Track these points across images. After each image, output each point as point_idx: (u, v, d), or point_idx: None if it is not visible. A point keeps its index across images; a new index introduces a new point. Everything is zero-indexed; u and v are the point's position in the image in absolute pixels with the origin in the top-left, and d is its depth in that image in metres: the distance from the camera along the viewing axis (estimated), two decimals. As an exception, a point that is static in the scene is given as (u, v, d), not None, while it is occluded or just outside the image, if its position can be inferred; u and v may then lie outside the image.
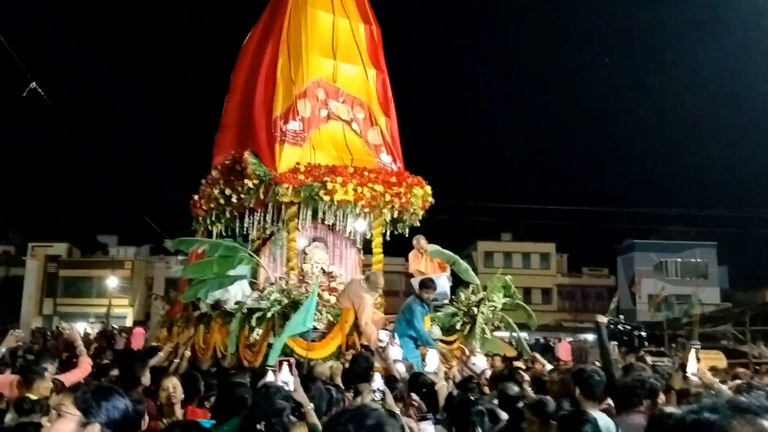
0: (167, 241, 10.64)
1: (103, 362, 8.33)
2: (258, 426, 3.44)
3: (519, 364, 11.49)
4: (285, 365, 4.69)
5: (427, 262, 11.19)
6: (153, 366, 6.64)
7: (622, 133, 75.58)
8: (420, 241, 11.26)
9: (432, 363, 6.58)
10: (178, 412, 5.13)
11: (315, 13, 11.40)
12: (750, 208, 41.27)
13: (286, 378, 4.58)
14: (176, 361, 8.20)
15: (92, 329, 28.52)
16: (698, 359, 6.14)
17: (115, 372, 7.19)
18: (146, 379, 5.83)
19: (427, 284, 9.14)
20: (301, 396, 4.35)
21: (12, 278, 47.68)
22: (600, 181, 71.24)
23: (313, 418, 4.21)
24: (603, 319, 6.72)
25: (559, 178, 73.43)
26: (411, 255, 11.41)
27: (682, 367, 6.04)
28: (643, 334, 16.55)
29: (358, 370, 5.98)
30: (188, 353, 8.79)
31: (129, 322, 36.07)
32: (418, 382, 5.61)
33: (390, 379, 5.64)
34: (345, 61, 11.46)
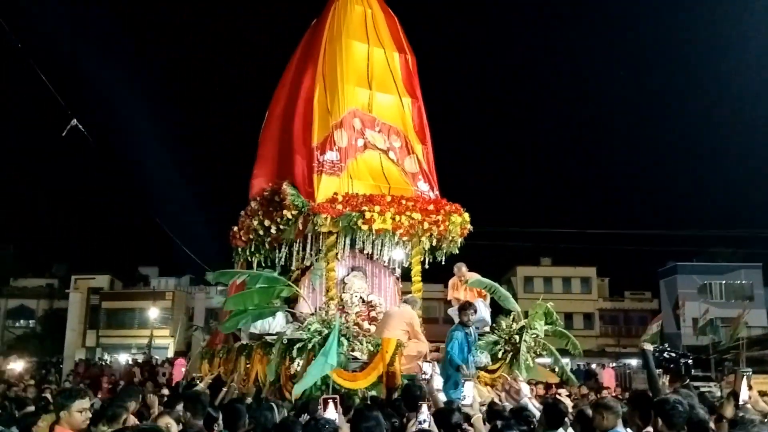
0: (208, 274, 10.77)
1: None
2: None
3: (561, 391, 11.27)
4: (330, 403, 4.68)
5: (467, 290, 11.11)
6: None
7: (663, 154, 74.61)
8: (461, 269, 11.18)
9: (468, 395, 6.49)
10: None
11: (350, 44, 11.56)
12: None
13: (331, 416, 4.56)
14: (224, 390, 8.25)
15: (133, 360, 28.82)
16: (750, 386, 5.93)
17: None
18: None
19: (466, 307, 9.11)
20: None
21: (56, 311, 48.63)
22: (641, 202, 70.21)
23: None
24: (649, 347, 6.57)
25: (599, 200, 72.59)
26: (451, 282, 11.33)
27: (734, 395, 5.82)
28: (690, 361, 16.09)
29: (411, 399, 5.90)
30: (234, 385, 8.81)
31: (170, 353, 36.42)
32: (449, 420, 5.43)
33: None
34: (380, 90, 11.56)
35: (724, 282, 46.63)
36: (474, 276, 11.05)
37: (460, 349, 8.78)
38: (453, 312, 10.27)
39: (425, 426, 4.72)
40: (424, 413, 4.86)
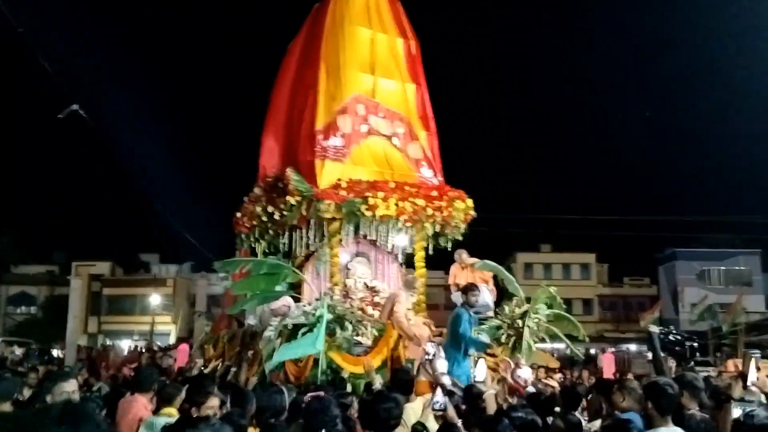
0: (215, 263, 10.85)
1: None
2: None
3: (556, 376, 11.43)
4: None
5: (468, 275, 11.19)
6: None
7: (661, 141, 74.52)
8: (462, 255, 11.29)
9: (481, 372, 6.58)
10: None
11: (353, 29, 11.53)
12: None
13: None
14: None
15: (136, 346, 28.98)
16: (758, 368, 6.03)
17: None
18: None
19: (471, 288, 9.13)
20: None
21: (57, 297, 48.81)
22: (640, 189, 70.23)
23: None
24: (655, 329, 6.69)
25: (599, 187, 72.57)
26: (453, 268, 11.42)
27: (743, 376, 5.93)
28: (695, 344, 16.18)
29: (400, 383, 5.99)
30: (245, 370, 8.95)
31: (172, 339, 36.57)
32: (473, 392, 5.58)
33: (449, 393, 5.65)
34: (384, 76, 11.54)
35: (723, 268, 46.85)
36: (479, 261, 11.14)
37: (469, 327, 8.86)
38: (456, 297, 10.35)
39: (439, 407, 4.81)
40: (439, 395, 4.96)
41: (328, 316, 8.56)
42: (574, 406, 5.52)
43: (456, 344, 8.57)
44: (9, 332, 44.44)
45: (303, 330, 8.95)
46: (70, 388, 5.14)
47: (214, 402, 4.97)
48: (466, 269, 11.32)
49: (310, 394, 5.25)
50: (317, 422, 3.69)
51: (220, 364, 10.47)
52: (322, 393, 5.17)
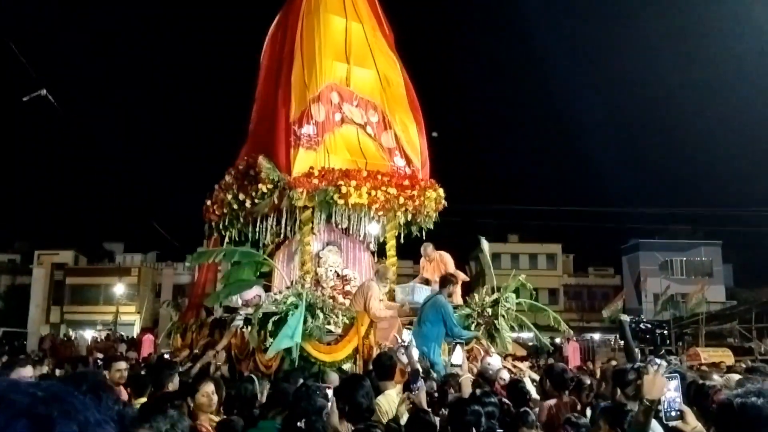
0: (188, 257, 10.81)
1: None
2: (299, 424, 3.49)
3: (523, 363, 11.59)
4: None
5: (433, 270, 11.20)
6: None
7: (625, 133, 75.59)
8: (428, 249, 11.31)
9: (457, 357, 6.65)
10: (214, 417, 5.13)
11: (328, 18, 11.46)
12: (754, 206, 41.32)
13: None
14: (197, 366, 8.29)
15: (100, 336, 28.62)
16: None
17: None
18: (174, 385, 5.87)
19: (450, 280, 9.22)
20: (334, 421, 4.37)
21: (19, 287, 47.82)
22: (605, 180, 71.26)
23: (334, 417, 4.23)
24: (626, 318, 6.84)
25: (565, 178, 73.45)
26: (421, 263, 11.46)
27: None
28: (665, 332, 16.54)
29: (382, 368, 6.01)
30: (223, 356, 8.94)
31: (137, 329, 36.12)
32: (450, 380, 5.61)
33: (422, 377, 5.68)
34: (358, 64, 11.50)
35: (684, 259, 47.86)
36: (444, 254, 11.21)
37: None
38: (419, 290, 10.30)
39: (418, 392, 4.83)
40: (420, 382, 4.99)
41: (301, 306, 8.53)
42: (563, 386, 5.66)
43: (436, 332, 8.63)
44: (-31, 321, 43.44)
45: (273, 318, 8.93)
46: (27, 373, 5.10)
47: (208, 388, 4.97)
48: (433, 262, 11.34)
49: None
50: (301, 410, 3.68)
51: (188, 353, 10.41)
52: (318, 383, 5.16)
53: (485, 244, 11.41)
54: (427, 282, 10.93)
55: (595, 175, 74.07)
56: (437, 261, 11.36)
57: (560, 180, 70.08)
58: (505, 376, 7.76)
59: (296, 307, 8.89)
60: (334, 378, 7.24)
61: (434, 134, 13.33)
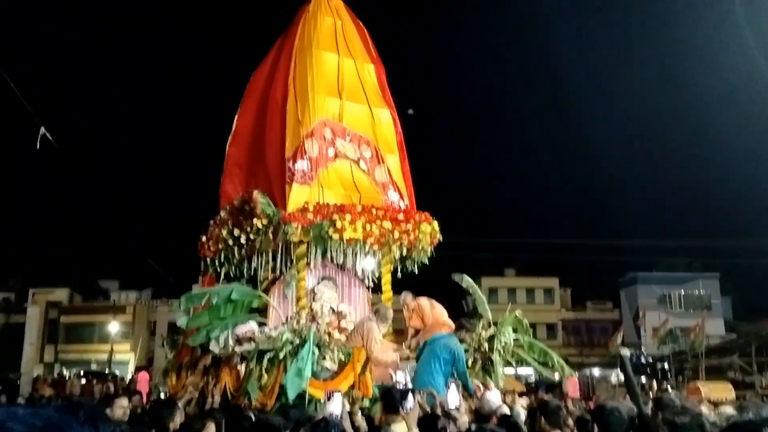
0: (178, 301, 10.45)
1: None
2: None
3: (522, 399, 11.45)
4: (336, 395, 4.80)
5: (417, 318, 10.94)
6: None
7: (621, 166, 76.07)
8: (406, 298, 10.83)
9: (453, 398, 6.57)
10: None
11: (320, 54, 11.61)
12: (752, 238, 41.39)
13: (336, 408, 4.67)
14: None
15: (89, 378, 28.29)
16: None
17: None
18: (175, 425, 5.81)
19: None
20: (347, 425, 4.39)
21: (13, 325, 47.37)
22: (602, 214, 71.44)
23: None
24: (626, 352, 6.77)
25: (562, 212, 73.66)
26: (405, 315, 11.20)
27: None
28: (666, 365, 16.36)
29: (391, 402, 5.95)
30: (218, 398, 8.83)
31: (131, 367, 35.76)
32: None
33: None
34: (351, 100, 11.60)
35: (682, 292, 47.74)
36: (421, 301, 10.93)
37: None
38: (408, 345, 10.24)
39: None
40: (410, 401, 4.94)
41: (310, 342, 8.48)
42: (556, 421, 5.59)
43: (446, 370, 8.60)
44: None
45: (268, 356, 8.85)
46: (124, 403, 5.09)
47: (210, 429, 4.97)
48: (414, 311, 11.01)
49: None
50: None
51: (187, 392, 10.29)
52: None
53: (465, 281, 11.28)
54: (417, 332, 10.70)
55: (592, 208, 74.31)
56: (417, 310, 11.04)
57: (557, 213, 70.31)
58: (507, 411, 7.68)
59: (291, 343, 8.85)
60: None
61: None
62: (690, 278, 47.84)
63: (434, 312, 10.97)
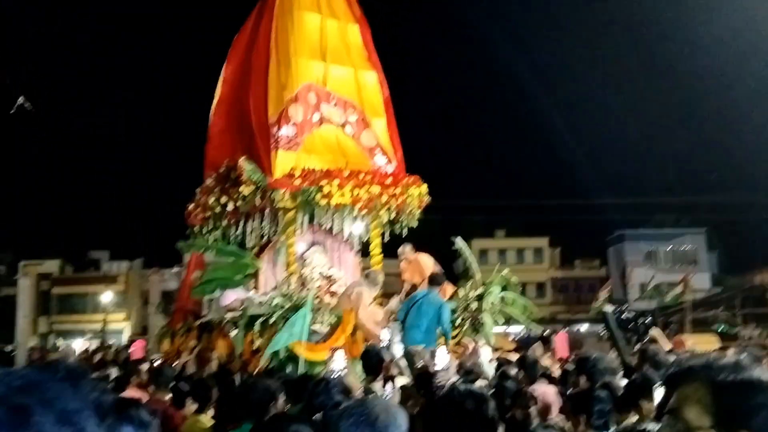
0: (179, 243, 10.98)
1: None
2: (315, 417, 3.57)
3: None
4: (339, 353, 4.92)
5: (413, 272, 11.16)
6: None
7: (607, 123, 76.01)
8: (405, 249, 11.16)
9: (443, 360, 6.71)
10: None
11: (302, 16, 11.36)
12: (738, 192, 41.74)
13: (339, 365, 4.77)
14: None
15: (91, 345, 28.46)
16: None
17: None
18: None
19: (439, 278, 9.47)
20: (351, 381, 4.49)
21: (4, 298, 47.35)
22: (589, 172, 71.58)
23: None
24: (609, 308, 6.91)
25: (549, 171, 73.83)
26: (401, 264, 11.41)
27: None
28: (648, 320, 16.67)
29: (370, 364, 6.09)
30: (214, 363, 9.01)
31: (125, 337, 35.96)
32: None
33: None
34: (335, 63, 11.45)
35: (669, 248, 48.22)
36: (422, 256, 11.19)
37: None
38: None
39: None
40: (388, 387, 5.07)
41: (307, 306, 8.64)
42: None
43: (434, 327, 8.78)
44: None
45: (260, 320, 8.99)
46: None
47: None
48: (412, 264, 11.27)
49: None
50: (319, 404, 3.76)
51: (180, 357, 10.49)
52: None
53: (460, 244, 11.45)
54: (413, 287, 10.88)
55: (580, 167, 74.43)
56: (414, 263, 11.29)
57: (545, 172, 70.41)
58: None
59: (282, 307, 8.98)
60: None
61: None
62: (677, 234, 48.26)
63: (432, 270, 11.19)
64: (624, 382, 4.93)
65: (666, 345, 7.68)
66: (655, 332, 8.25)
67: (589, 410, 4.06)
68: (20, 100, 11.98)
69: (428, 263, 10.96)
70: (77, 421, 0.85)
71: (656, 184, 64.30)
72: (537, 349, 9.71)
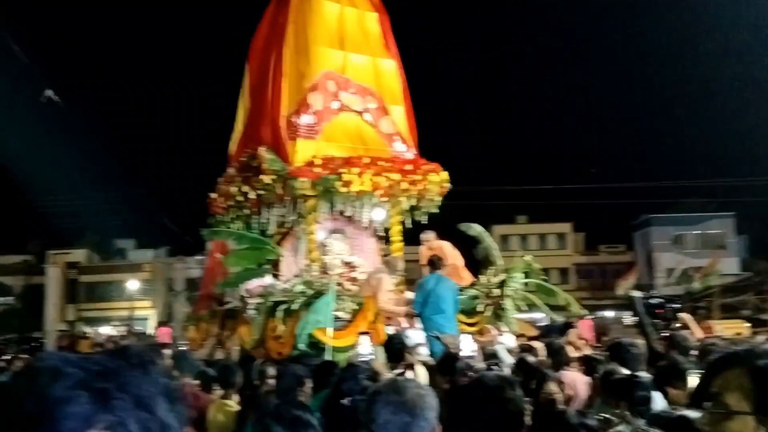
0: (203, 230, 11.10)
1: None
2: (343, 401, 3.60)
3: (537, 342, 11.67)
4: (364, 338, 4.96)
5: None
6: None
7: (632, 107, 75.06)
8: (428, 236, 11.35)
9: (468, 346, 6.73)
10: None
11: (320, 4, 11.34)
12: (765, 175, 40.90)
13: (365, 350, 4.81)
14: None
15: (118, 333, 28.90)
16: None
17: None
18: None
19: (439, 261, 9.63)
20: (379, 366, 4.52)
21: (34, 287, 48.27)
22: (613, 156, 70.79)
23: None
24: (637, 294, 6.87)
25: (572, 156, 73.07)
26: (422, 250, 11.48)
27: None
28: (677, 305, 16.46)
29: (393, 351, 6.11)
30: (236, 349, 9.15)
31: (152, 324, 36.45)
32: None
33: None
34: (354, 51, 11.44)
35: (697, 232, 47.52)
36: (445, 244, 11.27)
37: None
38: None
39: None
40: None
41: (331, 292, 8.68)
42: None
43: (452, 317, 8.91)
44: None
45: (282, 307, 9.06)
46: None
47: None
48: (434, 251, 11.34)
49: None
50: (347, 389, 3.79)
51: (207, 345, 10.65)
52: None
53: (474, 230, 11.45)
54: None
55: (604, 150, 73.66)
56: (437, 250, 11.34)
57: (567, 157, 69.71)
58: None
59: (304, 294, 9.04)
60: None
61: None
62: (704, 218, 47.50)
63: (454, 257, 11.24)
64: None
65: (697, 331, 7.57)
66: (686, 317, 8.14)
67: (631, 396, 4.04)
68: (48, 92, 12.14)
69: (448, 251, 10.99)
70: (150, 406, 0.88)
71: (683, 167, 63.42)
72: (572, 334, 9.60)
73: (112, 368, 0.89)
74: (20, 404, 0.83)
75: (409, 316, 8.80)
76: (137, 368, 0.92)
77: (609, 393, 4.30)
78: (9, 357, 14.37)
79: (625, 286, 29.57)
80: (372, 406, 2.17)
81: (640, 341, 6.80)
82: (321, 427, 3.21)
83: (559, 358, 5.99)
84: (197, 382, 6.43)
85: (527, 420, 4.72)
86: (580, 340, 9.73)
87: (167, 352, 8.98)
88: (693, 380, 3.98)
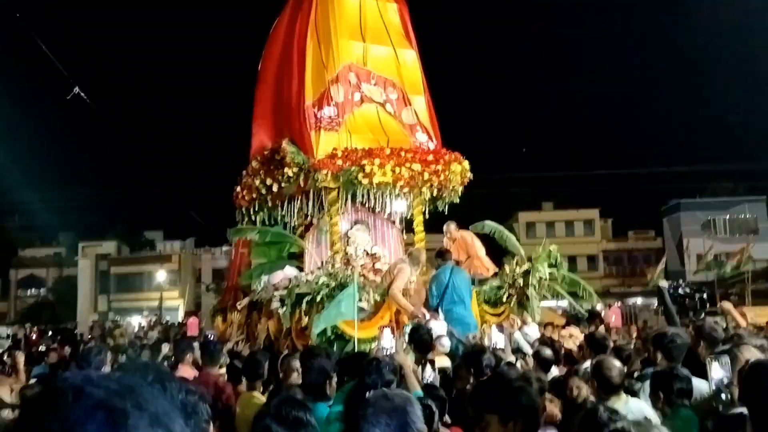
0: (229, 231, 11.33)
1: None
2: (368, 394, 3.62)
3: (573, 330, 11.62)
4: (386, 330, 4.95)
5: (457, 250, 11.21)
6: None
7: (661, 91, 73.85)
8: (450, 227, 11.41)
9: (499, 338, 6.71)
10: None
11: (341, -3, 11.38)
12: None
13: (387, 343, 4.81)
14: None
15: (147, 322, 29.35)
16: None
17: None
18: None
19: (447, 253, 9.76)
20: (401, 358, 4.53)
21: (66, 278, 49.25)
22: (641, 141, 69.84)
23: (412, 379, 4.41)
24: (665, 284, 6.83)
25: (599, 141, 72.27)
26: (444, 242, 11.47)
27: None
28: (705, 295, 16.21)
29: (419, 342, 6.12)
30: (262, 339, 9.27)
31: (181, 313, 36.97)
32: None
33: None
34: (374, 42, 11.43)
35: (727, 217, 46.69)
36: (466, 234, 11.30)
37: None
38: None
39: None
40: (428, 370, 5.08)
41: (331, 285, 8.71)
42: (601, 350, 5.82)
43: (470, 304, 9.03)
44: (21, 315, 44.94)
45: (307, 298, 9.10)
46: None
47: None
48: (456, 242, 11.36)
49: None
50: (372, 382, 3.82)
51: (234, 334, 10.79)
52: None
53: (487, 227, 11.49)
54: (457, 263, 10.91)
55: (631, 136, 72.65)
56: (459, 241, 11.36)
57: (594, 142, 68.84)
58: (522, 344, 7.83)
59: (327, 286, 9.07)
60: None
61: None
62: (735, 203, 46.61)
63: (476, 247, 11.23)
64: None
65: (740, 320, 7.43)
66: (727, 306, 8.01)
67: (670, 388, 4.02)
68: (75, 90, 12.32)
69: (470, 241, 10.98)
70: (167, 423, 0.90)
71: (713, 151, 62.33)
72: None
73: (130, 386, 0.91)
74: (43, 424, 0.86)
75: (414, 316, 8.73)
76: (154, 384, 0.96)
77: (651, 384, 4.28)
78: (44, 348, 14.71)
79: (655, 275, 29.28)
80: (362, 423, 2.20)
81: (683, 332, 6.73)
82: (345, 420, 3.25)
83: (600, 349, 5.92)
84: (224, 372, 6.52)
85: (556, 414, 4.71)
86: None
87: (195, 344, 9.10)
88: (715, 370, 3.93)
